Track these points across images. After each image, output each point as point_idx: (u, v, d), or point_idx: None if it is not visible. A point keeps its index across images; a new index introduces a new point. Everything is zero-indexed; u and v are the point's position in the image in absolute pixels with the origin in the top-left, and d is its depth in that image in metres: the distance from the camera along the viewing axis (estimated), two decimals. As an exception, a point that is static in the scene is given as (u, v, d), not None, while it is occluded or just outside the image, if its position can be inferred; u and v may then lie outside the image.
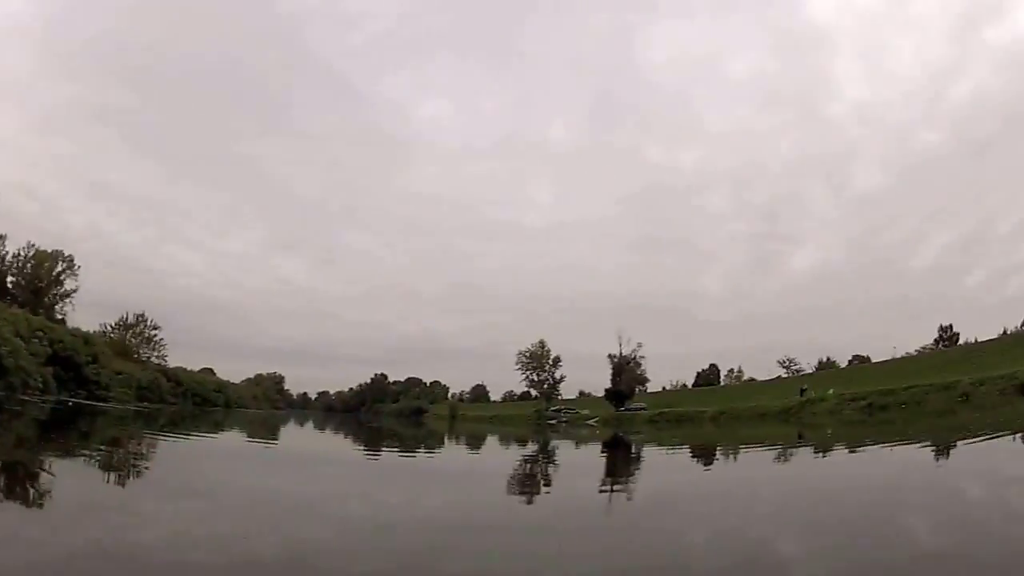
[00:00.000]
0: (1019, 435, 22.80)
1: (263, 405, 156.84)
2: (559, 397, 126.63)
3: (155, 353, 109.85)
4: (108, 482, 16.04)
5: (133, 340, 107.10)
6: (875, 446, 27.26)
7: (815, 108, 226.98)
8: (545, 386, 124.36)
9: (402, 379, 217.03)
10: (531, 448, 41.37)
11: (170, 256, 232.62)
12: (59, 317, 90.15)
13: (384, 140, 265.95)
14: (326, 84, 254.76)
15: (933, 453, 22.11)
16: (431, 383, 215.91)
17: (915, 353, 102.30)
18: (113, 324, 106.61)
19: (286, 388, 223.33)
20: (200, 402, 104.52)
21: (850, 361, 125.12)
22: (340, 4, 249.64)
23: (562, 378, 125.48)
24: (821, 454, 27.40)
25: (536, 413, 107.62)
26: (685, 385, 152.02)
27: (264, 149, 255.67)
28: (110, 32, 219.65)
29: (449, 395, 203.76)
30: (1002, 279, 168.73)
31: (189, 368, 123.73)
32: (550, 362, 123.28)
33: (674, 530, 11.59)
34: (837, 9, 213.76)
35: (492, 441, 50.30)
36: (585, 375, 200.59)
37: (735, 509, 13.80)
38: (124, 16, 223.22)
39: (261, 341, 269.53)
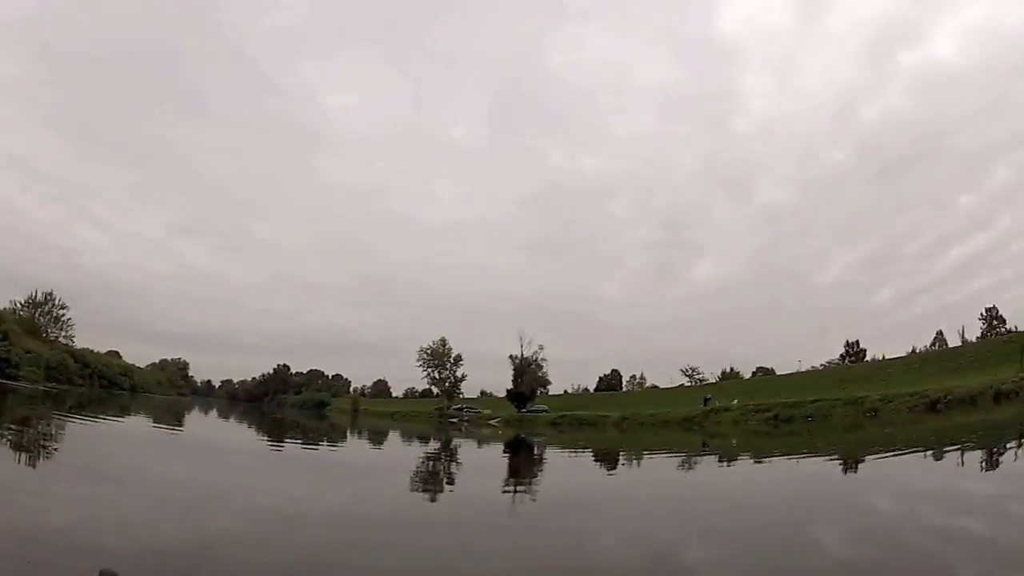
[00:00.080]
0: (930, 452, 22.78)
1: (168, 391, 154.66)
2: (461, 396, 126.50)
3: (63, 333, 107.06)
4: (19, 463, 16.11)
5: (42, 319, 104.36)
6: (780, 457, 27.59)
7: (721, 120, 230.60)
8: (447, 384, 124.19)
9: (305, 371, 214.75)
10: (434, 446, 41.64)
11: (78, 235, 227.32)
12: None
13: (292, 129, 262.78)
14: (238, 70, 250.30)
15: (841, 466, 22.52)
16: (333, 376, 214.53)
17: (820, 367, 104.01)
18: (23, 302, 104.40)
19: (190, 375, 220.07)
20: (107, 385, 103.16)
21: (754, 373, 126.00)
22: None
23: (463, 377, 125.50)
24: (726, 463, 27.86)
25: (438, 411, 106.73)
26: (587, 389, 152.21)
27: (174, 132, 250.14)
28: (21, 6, 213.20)
29: (351, 389, 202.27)
30: (909, 299, 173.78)
31: (96, 350, 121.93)
32: (451, 360, 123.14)
33: (580, 531, 11.87)
34: (748, 24, 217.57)
35: (394, 437, 50.42)
36: (487, 375, 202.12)
37: (641, 513, 14.10)
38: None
39: (166, 326, 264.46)
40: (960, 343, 78.11)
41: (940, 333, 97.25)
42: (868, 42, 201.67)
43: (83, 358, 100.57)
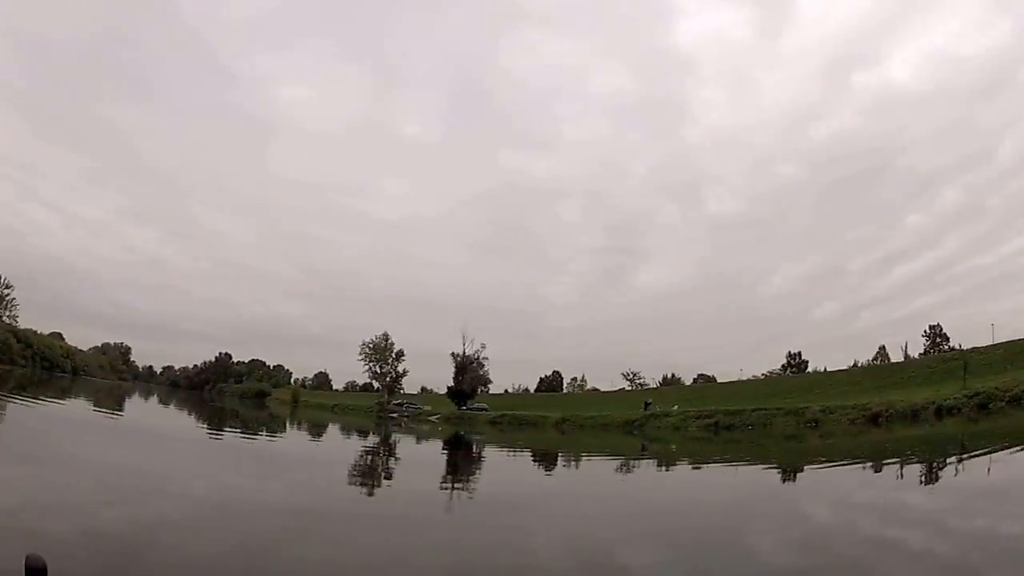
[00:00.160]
0: (870, 464, 22.85)
1: (109, 375, 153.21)
2: (401, 391, 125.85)
3: (7, 313, 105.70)
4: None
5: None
6: (720, 464, 27.73)
7: (673, 130, 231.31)
8: (388, 379, 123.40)
9: (246, 360, 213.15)
10: (373, 440, 41.73)
11: (27, 215, 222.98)
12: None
13: (246, 120, 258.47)
14: (195, 58, 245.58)
15: (780, 474, 22.66)
16: (275, 367, 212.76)
17: (762, 377, 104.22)
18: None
19: (132, 360, 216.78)
20: (49, 367, 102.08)
21: (695, 379, 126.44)
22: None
23: (405, 372, 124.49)
24: (665, 468, 28.10)
25: (378, 405, 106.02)
26: (527, 390, 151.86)
27: (128, 117, 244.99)
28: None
29: (292, 380, 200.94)
30: (853, 313, 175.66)
31: (39, 331, 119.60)
32: (393, 355, 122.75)
33: (517, 529, 12.01)
34: (706, 38, 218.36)
35: (334, 430, 50.46)
36: (428, 371, 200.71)
37: (578, 514, 14.18)
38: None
39: (110, 310, 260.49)
40: (903, 359, 78.91)
41: (883, 348, 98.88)
42: (825, 61, 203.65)
43: (26, 338, 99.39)
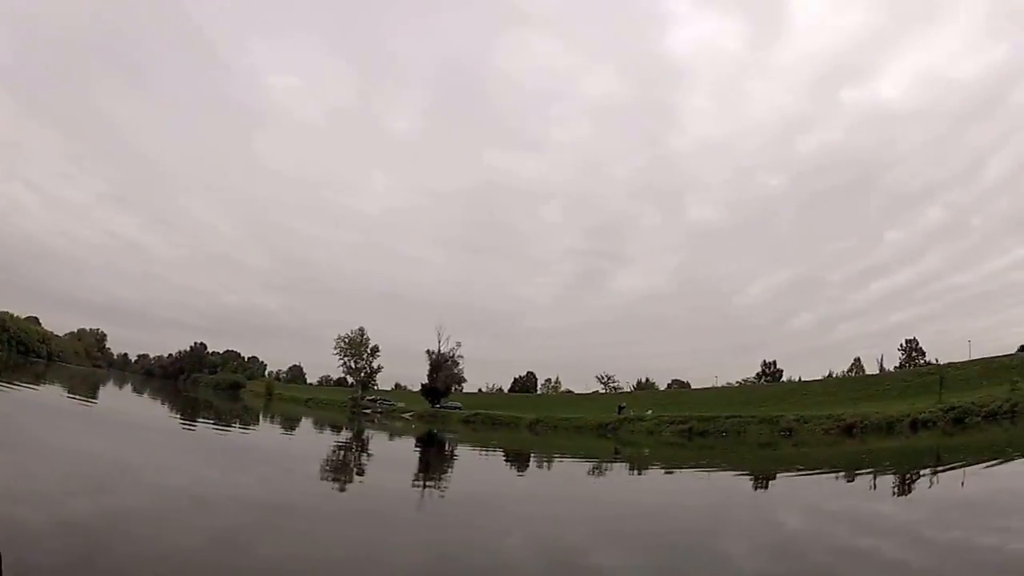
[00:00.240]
0: (843, 473, 22.98)
1: (84, 362, 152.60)
2: (375, 387, 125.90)
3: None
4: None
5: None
6: (693, 469, 27.96)
7: (660, 136, 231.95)
8: (362, 374, 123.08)
9: (221, 351, 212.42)
10: (346, 435, 41.63)
11: (8, 194, 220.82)
12: None
13: (234, 109, 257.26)
14: (187, 44, 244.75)
15: (753, 482, 22.88)
16: (249, 358, 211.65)
17: (736, 384, 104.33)
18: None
19: (108, 346, 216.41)
20: (24, 351, 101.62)
21: (669, 385, 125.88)
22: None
23: (379, 368, 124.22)
24: (637, 472, 28.05)
25: (352, 401, 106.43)
26: (501, 389, 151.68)
27: (116, 100, 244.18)
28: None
29: (267, 372, 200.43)
30: (830, 325, 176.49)
31: (16, 314, 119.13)
32: (368, 350, 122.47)
33: (488, 529, 12.05)
34: (698, 46, 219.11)
35: (307, 424, 50.26)
36: (403, 368, 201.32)
37: (550, 515, 14.15)
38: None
39: (87, 295, 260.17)
40: (878, 371, 79.34)
41: (858, 360, 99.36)
42: (816, 74, 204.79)
43: (2, 322, 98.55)
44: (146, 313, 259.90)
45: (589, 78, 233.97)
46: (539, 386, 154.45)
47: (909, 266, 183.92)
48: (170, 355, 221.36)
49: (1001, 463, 20.32)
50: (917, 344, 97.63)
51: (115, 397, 52.65)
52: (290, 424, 48.17)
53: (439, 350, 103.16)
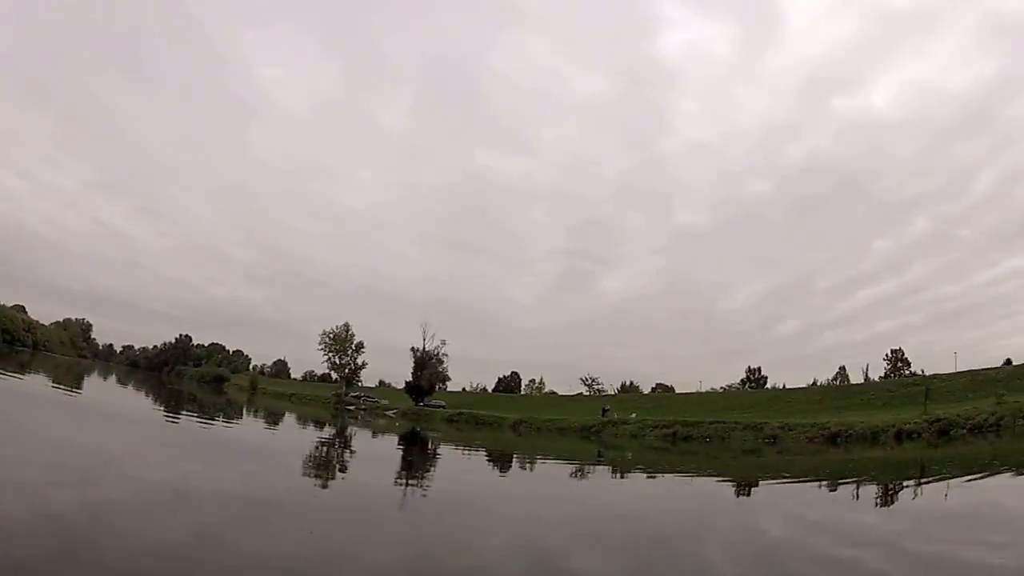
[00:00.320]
0: (826, 482, 22.63)
1: (69, 352, 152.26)
2: (359, 384, 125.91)
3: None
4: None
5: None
6: (676, 474, 27.67)
7: (648, 139, 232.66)
8: (347, 371, 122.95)
9: (206, 343, 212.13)
10: (329, 432, 41.64)
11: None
12: None
13: (226, 100, 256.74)
14: (182, 33, 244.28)
15: (735, 488, 22.57)
16: (234, 352, 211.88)
17: (720, 390, 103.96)
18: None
19: (93, 337, 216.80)
20: (10, 340, 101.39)
21: (653, 388, 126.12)
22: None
23: (364, 364, 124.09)
24: (620, 475, 28.01)
25: (336, 397, 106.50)
26: (485, 389, 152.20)
27: (108, 87, 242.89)
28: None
29: (251, 366, 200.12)
30: (815, 333, 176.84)
31: (1, 303, 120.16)
32: (353, 347, 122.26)
33: (469, 529, 12.02)
34: (689, 50, 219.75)
35: (290, 419, 50.29)
36: (387, 365, 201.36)
37: (531, 517, 14.10)
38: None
39: (73, 284, 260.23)
40: (863, 380, 79.59)
41: (843, 369, 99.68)
42: (806, 82, 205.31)
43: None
44: (132, 303, 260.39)
45: (580, 80, 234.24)
46: (523, 386, 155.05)
47: (896, 276, 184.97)
48: (155, 347, 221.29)
49: (986, 476, 20.33)
50: (903, 354, 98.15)
51: (99, 388, 52.44)
52: (273, 419, 48.10)
53: (424, 348, 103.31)
